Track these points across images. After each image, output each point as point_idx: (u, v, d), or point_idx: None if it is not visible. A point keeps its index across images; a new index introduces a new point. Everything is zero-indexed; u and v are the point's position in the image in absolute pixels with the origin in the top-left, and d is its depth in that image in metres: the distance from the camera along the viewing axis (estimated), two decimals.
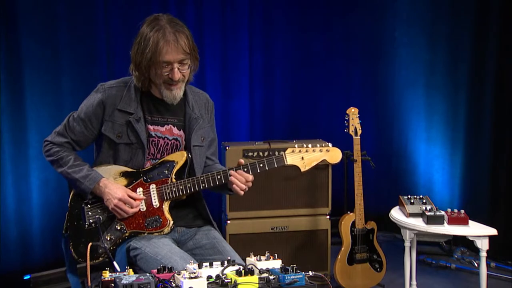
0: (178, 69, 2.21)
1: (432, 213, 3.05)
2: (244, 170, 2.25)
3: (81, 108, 2.32)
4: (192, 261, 2.03)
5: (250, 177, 2.26)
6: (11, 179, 3.45)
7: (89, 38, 3.78)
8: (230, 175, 2.24)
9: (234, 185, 2.25)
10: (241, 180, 2.24)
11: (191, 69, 2.28)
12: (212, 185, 2.26)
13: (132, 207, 2.21)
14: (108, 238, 2.22)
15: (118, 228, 2.23)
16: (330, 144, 2.35)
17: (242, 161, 2.29)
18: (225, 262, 1.83)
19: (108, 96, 2.28)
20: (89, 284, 1.84)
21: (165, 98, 2.27)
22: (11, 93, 3.44)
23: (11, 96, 3.44)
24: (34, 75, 3.52)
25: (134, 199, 2.22)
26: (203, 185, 2.25)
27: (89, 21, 3.78)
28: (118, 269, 2.01)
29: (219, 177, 2.25)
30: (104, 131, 2.27)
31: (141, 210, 2.24)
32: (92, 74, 3.75)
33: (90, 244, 2.10)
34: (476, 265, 3.90)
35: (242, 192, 2.27)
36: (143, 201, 2.25)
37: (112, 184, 2.23)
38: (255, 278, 1.73)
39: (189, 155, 2.32)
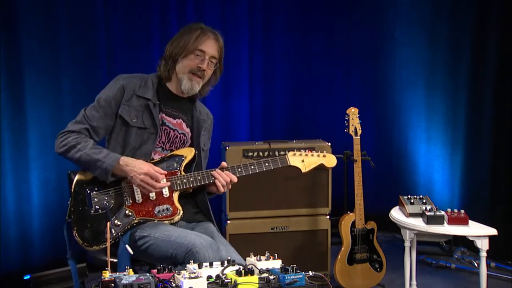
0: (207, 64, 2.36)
1: (432, 213, 3.04)
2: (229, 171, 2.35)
3: (100, 96, 2.36)
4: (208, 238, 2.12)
5: (235, 178, 2.35)
6: (11, 179, 3.45)
7: (89, 39, 3.78)
8: (213, 175, 2.32)
9: (216, 181, 2.31)
10: (225, 179, 2.32)
11: (212, 77, 2.44)
12: None
13: (158, 181, 2.23)
14: (117, 224, 2.23)
15: (128, 214, 2.24)
16: (325, 151, 2.56)
17: (225, 164, 2.37)
18: (225, 262, 1.83)
19: (129, 83, 2.37)
20: (108, 265, 1.84)
21: (183, 87, 2.36)
22: (11, 93, 3.43)
23: (11, 96, 3.44)
24: (34, 75, 3.52)
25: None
26: (213, 178, 2.32)
27: (89, 22, 3.78)
28: (131, 252, 2.07)
29: (226, 172, 2.33)
30: (121, 112, 2.32)
31: (151, 198, 2.27)
32: (92, 74, 3.75)
33: (109, 223, 2.10)
34: (476, 265, 3.90)
35: (223, 189, 2.35)
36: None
37: (134, 161, 2.24)
38: (255, 278, 1.73)
39: (196, 151, 2.39)
